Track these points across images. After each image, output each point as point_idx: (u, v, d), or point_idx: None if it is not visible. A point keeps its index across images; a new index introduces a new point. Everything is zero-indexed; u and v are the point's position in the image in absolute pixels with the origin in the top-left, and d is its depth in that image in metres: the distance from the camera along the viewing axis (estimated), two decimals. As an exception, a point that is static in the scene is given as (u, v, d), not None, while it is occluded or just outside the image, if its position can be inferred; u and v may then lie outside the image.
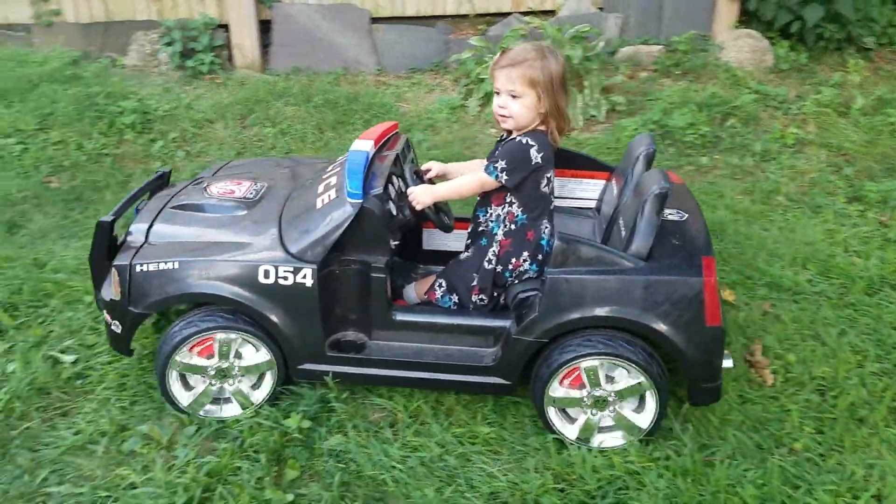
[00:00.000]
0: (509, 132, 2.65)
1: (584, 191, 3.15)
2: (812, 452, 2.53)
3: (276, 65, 5.85)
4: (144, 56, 5.63)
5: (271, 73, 5.72)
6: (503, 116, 2.55)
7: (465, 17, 6.18)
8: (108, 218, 2.67)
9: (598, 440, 2.57)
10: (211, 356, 2.59)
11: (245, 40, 5.81)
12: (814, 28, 5.59)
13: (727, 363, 2.50)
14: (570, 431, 2.56)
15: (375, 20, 6.08)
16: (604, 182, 3.11)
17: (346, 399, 2.71)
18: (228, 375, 2.64)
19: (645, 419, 2.53)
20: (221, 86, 5.47)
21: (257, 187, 2.91)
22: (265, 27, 5.97)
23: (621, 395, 2.50)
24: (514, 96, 2.50)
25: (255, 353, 2.62)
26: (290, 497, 2.35)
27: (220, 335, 2.55)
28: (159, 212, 2.79)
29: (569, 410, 2.56)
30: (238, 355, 2.62)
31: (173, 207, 2.81)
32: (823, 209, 4.08)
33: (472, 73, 5.32)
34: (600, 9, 6.14)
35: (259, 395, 2.67)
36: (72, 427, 2.64)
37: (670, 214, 2.68)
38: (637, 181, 2.59)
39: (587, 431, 2.55)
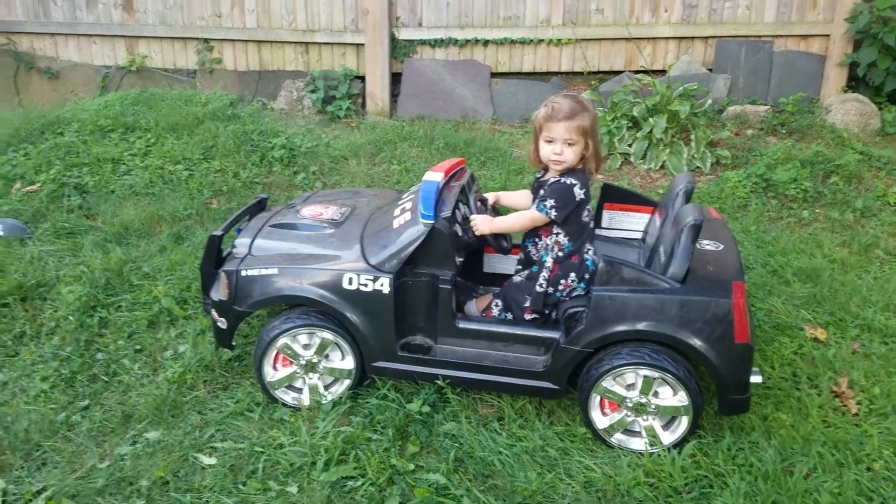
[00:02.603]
0: (545, 171, 3.04)
1: (630, 223, 3.50)
2: (890, 472, 2.71)
3: (402, 112, 6.47)
4: (291, 101, 6.38)
5: (398, 119, 6.33)
6: (558, 162, 2.91)
7: (578, 73, 6.63)
8: (218, 232, 3.22)
9: (619, 440, 2.86)
10: (307, 347, 3.02)
11: (377, 90, 6.46)
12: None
13: (756, 378, 2.76)
14: (601, 422, 2.86)
15: (494, 75, 6.63)
16: (648, 215, 3.44)
17: (460, 393, 3.10)
18: (314, 370, 3.06)
19: (669, 437, 2.82)
20: (355, 128, 6.11)
21: (342, 210, 3.39)
22: (395, 79, 6.63)
23: (661, 410, 2.80)
24: (570, 144, 2.88)
25: (341, 360, 3.04)
26: (412, 466, 2.74)
27: (325, 334, 2.97)
28: (260, 230, 3.28)
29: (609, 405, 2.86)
30: (326, 356, 3.04)
31: (271, 226, 3.31)
32: (923, 264, 4.22)
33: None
34: (710, 70, 6.45)
35: (329, 395, 3.06)
36: (232, 398, 3.15)
37: (708, 245, 3.00)
38: (676, 213, 2.90)
39: (614, 428, 2.84)
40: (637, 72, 6.39)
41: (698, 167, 5.40)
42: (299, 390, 3.11)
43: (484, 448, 2.84)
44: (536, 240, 3.05)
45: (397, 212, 3.11)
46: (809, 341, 3.50)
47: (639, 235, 3.49)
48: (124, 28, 6.79)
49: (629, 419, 2.85)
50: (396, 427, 2.90)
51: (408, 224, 2.97)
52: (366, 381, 3.12)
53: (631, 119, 5.65)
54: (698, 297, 2.70)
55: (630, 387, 2.82)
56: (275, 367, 3.06)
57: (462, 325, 2.99)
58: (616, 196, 3.49)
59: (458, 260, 2.99)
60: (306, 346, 3.03)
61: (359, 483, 2.66)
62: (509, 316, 3.07)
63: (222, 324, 3.10)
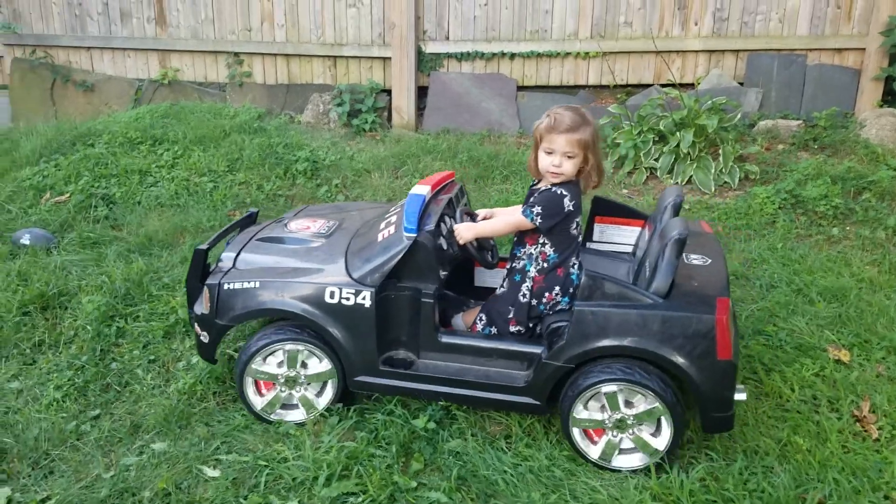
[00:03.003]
0: (540, 179, 2.99)
1: (621, 236, 3.45)
2: (910, 502, 2.61)
3: (428, 125, 6.47)
4: (318, 114, 6.43)
5: (423, 133, 6.34)
6: (556, 173, 2.86)
7: (606, 87, 6.57)
8: (204, 246, 3.21)
9: (619, 461, 2.79)
10: (281, 364, 3.00)
11: (403, 103, 6.48)
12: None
13: (741, 396, 2.69)
14: (593, 451, 2.79)
15: (521, 88, 6.60)
16: (639, 229, 3.38)
17: (467, 410, 3.06)
18: (296, 383, 3.04)
19: (661, 442, 2.74)
20: (380, 142, 6.13)
21: (329, 224, 3.38)
22: (422, 92, 6.64)
23: (639, 418, 2.73)
24: (569, 157, 2.83)
25: (319, 364, 3.02)
26: (414, 484, 2.71)
27: (288, 346, 2.95)
28: (246, 243, 3.28)
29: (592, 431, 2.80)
30: (304, 366, 3.02)
31: (258, 240, 3.31)
32: (957, 284, 4.06)
33: (608, 138, 5.68)
34: (741, 83, 6.34)
35: (322, 402, 3.05)
36: (240, 410, 3.15)
37: (695, 259, 2.93)
38: (662, 227, 2.84)
39: (608, 452, 2.78)
40: (666, 85, 6.30)
41: (726, 182, 5.29)
42: (295, 405, 3.10)
43: (488, 466, 2.80)
44: (522, 248, 3.01)
45: (383, 225, 3.12)
46: (832, 363, 3.39)
47: (630, 249, 3.44)
48: (157, 42, 6.93)
49: (616, 438, 2.79)
50: (401, 443, 2.87)
51: (391, 238, 2.97)
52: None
53: (658, 133, 5.57)
54: (680, 313, 2.64)
55: (603, 408, 2.77)
56: (260, 394, 3.06)
57: (444, 339, 2.97)
58: (607, 209, 3.46)
59: (443, 274, 2.97)
60: (280, 364, 3.02)
61: (359, 499, 2.63)
62: (494, 330, 3.03)
63: (205, 337, 3.11)
